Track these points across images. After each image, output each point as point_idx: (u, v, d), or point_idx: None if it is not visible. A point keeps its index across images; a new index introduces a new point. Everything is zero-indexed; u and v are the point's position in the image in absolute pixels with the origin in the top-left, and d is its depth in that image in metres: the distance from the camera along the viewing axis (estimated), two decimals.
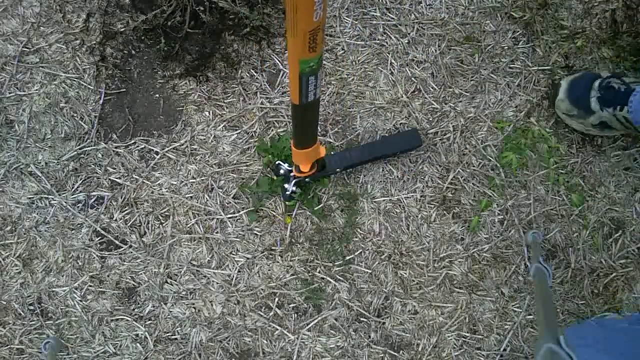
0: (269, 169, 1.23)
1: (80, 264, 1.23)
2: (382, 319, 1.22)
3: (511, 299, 1.23)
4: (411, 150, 1.22)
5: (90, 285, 1.23)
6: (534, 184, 1.25)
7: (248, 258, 1.22)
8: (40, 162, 1.25)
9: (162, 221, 1.23)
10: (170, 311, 1.22)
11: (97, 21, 1.28)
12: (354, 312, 1.22)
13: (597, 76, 1.19)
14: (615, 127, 1.17)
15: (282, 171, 1.18)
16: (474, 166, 1.25)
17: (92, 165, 1.25)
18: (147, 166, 1.25)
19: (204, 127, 1.26)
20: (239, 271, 1.22)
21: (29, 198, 1.24)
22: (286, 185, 1.18)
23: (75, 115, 1.27)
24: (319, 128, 1.27)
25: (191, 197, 1.24)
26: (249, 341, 1.21)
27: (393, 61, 1.27)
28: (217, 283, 1.22)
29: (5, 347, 1.22)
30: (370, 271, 1.22)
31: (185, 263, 1.22)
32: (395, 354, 1.21)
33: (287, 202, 1.23)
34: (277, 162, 1.19)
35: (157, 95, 1.28)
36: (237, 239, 1.23)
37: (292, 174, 1.16)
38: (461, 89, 1.27)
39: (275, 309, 1.21)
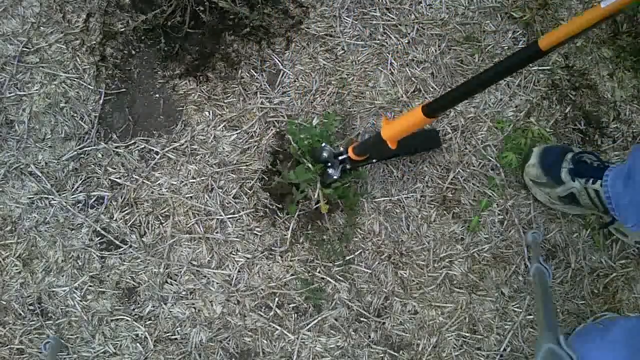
0: (300, 153, 1.16)
1: (80, 264, 1.23)
2: (382, 319, 1.22)
3: (511, 299, 1.23)
4: (429, 150, 1.24)
5: (90, 285, 1.23)
6: None
7: (248, 258, 1.22)
8: (40, 162, 1.25)
9: (162, 221, 1.23)
10: (170, 311, 1.22)
11: (97, 21, 1.28)
12: (354, 312, 1.22)
13: (569, 149, 1.17)
14: (582, 203, 1.14)
15: (325, 154, 1.12)
16: (474, 166, 1.25)
17: (92, 165, 1.25)
18: (147, 166, 1.25)
19: (204, 127, 1.26)
20: (239, 271, 1.22)
21: (29, 198, 1.24)
22: (330, 170, 1.13)
23: (75, 115, 1.27)
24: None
25: (191, 197, 1.24)
26: (249, 341, 1.21)
27: (393, 61, 1.27)
28: (217, 283, 1.22)
29: (5, 347, 1.22)
30: (370, 271, 1.22)
31: (185, 263, 1.22)
32: (395, 354, 1.21)
33: (325, 190, 1.15)
34: (322, 145, 1.13)
35: (157, 95, 1.28)
36: (237, 239, 1.23)
37: (341, 157, 1.11)
38: None
39: (275, 309, 1.21)
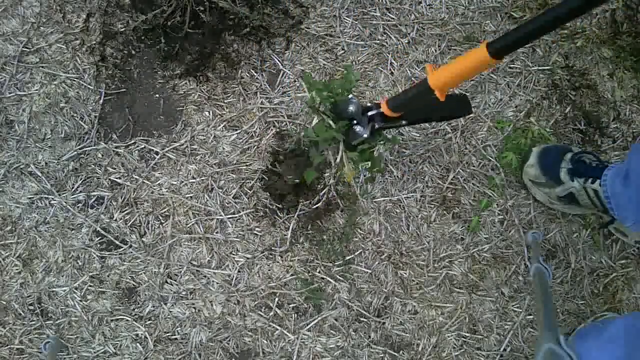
0: (319, 108, 0.98)
1: (80, 264, 1.23)
2: (382, 319, 1.22)
3: (511, 299, 1.23)
4: (461, 117, 1.17)
5: (90, 285, 1.23)
6: None
7: (248, 258, 1.22)
8: (40, 162, 1.25)
9: (162, 221, 1.23)
10: (170, 311, 1.22)
11: (97, 21, 1.28)
12: (354, 312, 1.22)
13: (568, 149, 1.18)
14: (582, 203, 1.14)
15: (351, 108, 0.93)
16: (474, 166, 1.25)
17: (92, 165, 1.25)
18: (147, 166, 1.25)
19: (204, 127, 1.26)
20: (239, 271, 1.22)
21: (29, 198, 1.24)
22: (357, 128, 0.93)
23: (75, 115, 1.27)
24: None
25: (191, 197, 1.24)
26: (249, 341, 1.21)
27: (393, 61, 1.27)
28: (217, 283, 1.22)
29: (5, 347, 1.22)
30: (370, 271, 1.22)
31: (185, 263, 1.22)
32: (395, 354, 1.21)
33: (349, 153, 0.98)
34: (349, 97, 0.94)
35: (157, 95, 1.28)
36: (237, 239, 1.23)
37: (370, 113, 0.92)
38: (461, 89, 1.27)
39: (275, 309, 1.21)
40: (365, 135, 0.92)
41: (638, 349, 0.91)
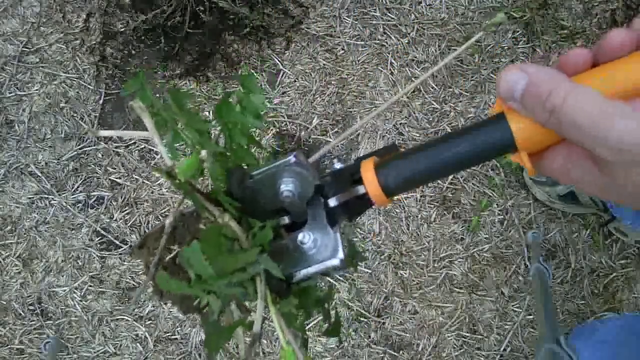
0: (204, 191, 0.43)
1: (80, 264, 1.23)
2: (382, 319, 1.22)
3: (511, 299, 1.23)
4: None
5: (90, 285, 1.23)
6: None
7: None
8: (40, 162, 1.25)
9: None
10: (170, 311, 1.22)
11: (97, 21, 1.28)
12: (354, 312, 1.22)
13: None
14: (581, 201, 1.15)
15: (292, 188, 0.37)
16: (474, 166, 1.25)
17: (92, 165, 1.25)
18: (147, 166, 1.25)
19: None
20: None
21: (29, 198, 1.24)
22: (307, 239, 0.37)
23: (75, 115, 1.27)
24: (318, 127, 1.27)
25: None
26: (249, 341, 1.21)
27: (393, 61, 1.27)
28: None
29: (5, 347, 1.22)
30: (370, 271, 1.22)
31: None
32: (395, 354, 1.21)
33: (279, 307, 0.40)
34: (290, 158, 0.36)
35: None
36: None
37: (337, 200, 0.37)
38: (461, 89, 1.27)
39: None
40: (336, 261, 0.36)
41: (627, 350, 0.91)
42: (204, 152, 0.36)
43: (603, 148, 0.29)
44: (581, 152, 0.32)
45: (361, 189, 0.36)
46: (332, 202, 0.37)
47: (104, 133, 0.38)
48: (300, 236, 0.37)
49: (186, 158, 0.37)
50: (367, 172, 0.36)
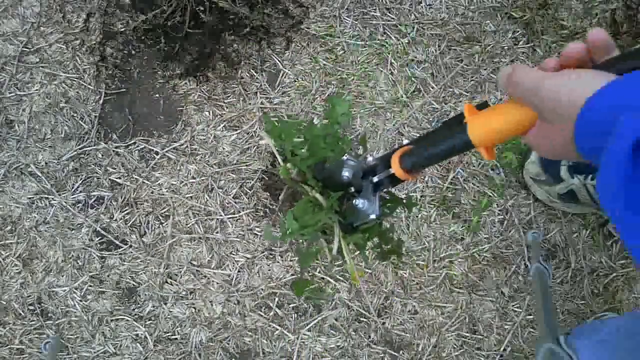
0: (297, 174, 0.67)
1: (80, 264, 1.23)
2: (382, 319, 1.22)
3: (511, 299, 1.23)
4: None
5: (90, 285, 1.23)
6: None
7: (248, 258, 1.22)
8: (40, 162, 1.25)
9: (162, 221, 1.23)
10: (170, 311, 1.22)
11: (97, 21, 1.28)
12: (354, 312, 1.22)
13: None
14: (581, 200, 1.14)
15: (346, 173, 0.63)
16: (474, 166, 1.25)
17: (92, 165, 1.25)
18: (147, 166, 1.25)
19: (204, 127, 1.26)
20: (239, 271, 1.22)
21: (29, 198, 1.24)
22: (360, 204, 0.63)
23: (75, 115, 1.27)
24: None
25: (191, 197, 1.23)
26: (249, 341, 1.21)
27: (393, 61, 1.27)
28: (217, 283, 1.22)
29: (5, 347, 1.22)
30: (370, 271, 1.22)
31: (185, 263, 1.22)
32: (395, 354, 1.21)
33: (349, 237, 0.66)
34: (343, 157, 0.64)
35: (157, 95, 1.28)
36: (237, 239, 1.23)
37: (377, 177, 0.62)
38: (461, 89, 1.27)
39: (275, 309, 1.21)
40: (374, 215, 0.62)
41: (628, 350, 0.91)
42: (289, 164, 0.65)
43: (536, 98, 0.46)
44: (539, 124, 0.49)
45: (391, 170, 0.61)
46: (375, 179, 0.62)
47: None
48: (357, 202, 0.63)
49: (282, 165, 0.65)
50: (394, 159, 0.60)
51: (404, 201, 0.68)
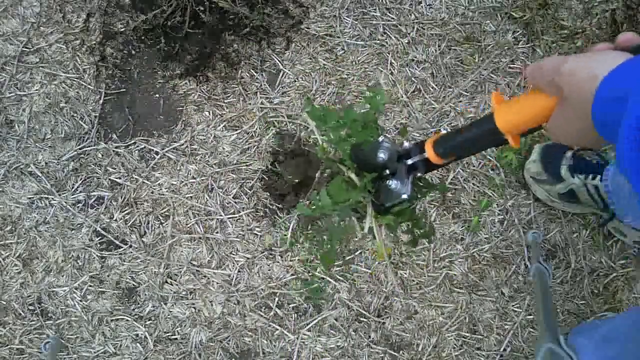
0: (335, 156, 0.73)
1: (80, 264, 1.23)
2: (382, 319, 1.22)
3: (511, 299, 1.23)
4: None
5: (90, 285, 1.23)
6: None
7: (248, 258, 1.22)
8: (40, 162, 1.25)
9: (162, 221, 1.23)
10: (170, 311, 1.22)
11: (97, 21, 1.28)
12: (354, 312, 1.22)
13: (570, 146, 1.18)
14: (581, 199, 1.14)
15: (382, 155, 0.66)
16: (474, 166, 1.25)
17: (92, 165, 1.25)
18: (147, 166, 1.25)
19: (204, 127, 1.26)
20: (239, 271, 1.22)
21: (29, 198, 1.24)
22: (393, 184, 0.66)
23: (75, 115, 1.27)
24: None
25: (191, 197, 1.23)
26: (249, 341, 1.21)
27: (393, 61, 1.27)
28: (217, 283, 1.22)
29: (5, 347, 1.22)
30: (370, 271, 1.22)
31: (185, 263, 1.22)
32: (395, 354, 1.21)
33: (382, 218, 0.70)
34: (379, 139, 0.68)
35: (157, 95, 1.28)
36: (237, 239, 1.23)
37: (411, 161, 0.66)
38: (461, 89, 1.27)
39: (275, 309, 1.21)
40: (405, 195, 0.65)
41: (628, 349, 0.91)
42: (325, 145, 0.71)
43: (557, 75, 0.47)
44: (558, 107, 0.51)
45: (425, 154, 0.64)
46: (409, 162, 0.65)
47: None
48: (391, 183, 0.66)
49: (320, 144, 0.70)
50: (428, 144, 0.64)
51: (437, 186, 0.73)
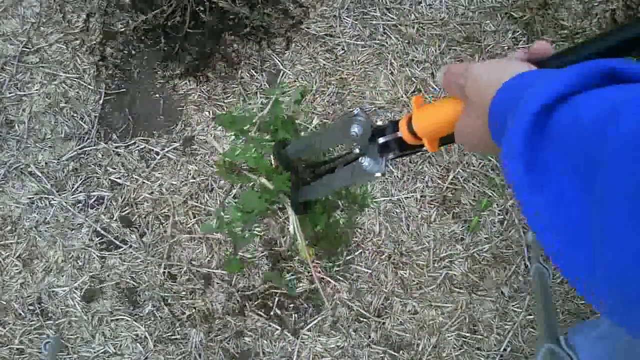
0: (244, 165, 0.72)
1: (80, 264, 1.23)
2: (382, 319, 1.22)
3: (511, 299, 1.23)
4: None
5: (90, 285, 1.23)
6: None
7: (248, 258, 1.22)
8: (40, 162, 1.25)
9: (162, 221, 1.23)
10: (171, 311, 1.22)
11: (97, 21, 1.28)
12: (354, 312, 1.22)
13: None
14: None
15: (356, 130, 0.62)
16: (474, 166, 1.25)
17: (92, 165, 1.25)
18: (147, 166, 1.25)
19: (204, 127, 1.26)
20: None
21: (29, 198, 1.24)
22: (365, 163, 0.62)
23: (75, 115, 1.27)
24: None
25: (191, 197, 1.23)
26: (249, 341, 1.21)
27: (393, 61, 1.27)
28: (217, 283, 1.22)
29: (5, 347, 1.22)
30: (370, 271, 1.22)
31: (185, 263, 1.22)
32: (395, 354, 1.21)
33: (304, 217, 0.71)
34: (354, 111, 0.63)
35: (157, 95, 1.28)
36: None
37: (385, 138, 0.61)
38: None
39: (275, 309, 1.21)
40: (379, 173, 0.62)
41: (621, 347, 0.91)
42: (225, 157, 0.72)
43: (463, 80, 0.48)
44: (464, 112, 0.52)
45: (399, 133, 0.59)
46: (381, 140, 0.61)
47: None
48: (362, 160, 0.62)
49: (216, 161, 0.67)
50: (402, 122, 0.59)
51: (358, 200, 0.74)
